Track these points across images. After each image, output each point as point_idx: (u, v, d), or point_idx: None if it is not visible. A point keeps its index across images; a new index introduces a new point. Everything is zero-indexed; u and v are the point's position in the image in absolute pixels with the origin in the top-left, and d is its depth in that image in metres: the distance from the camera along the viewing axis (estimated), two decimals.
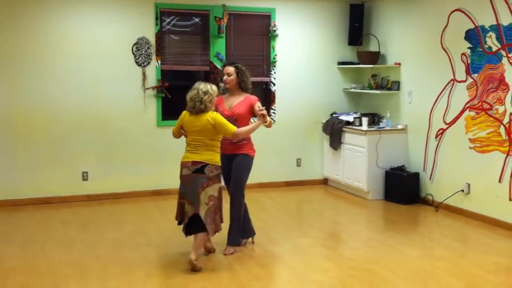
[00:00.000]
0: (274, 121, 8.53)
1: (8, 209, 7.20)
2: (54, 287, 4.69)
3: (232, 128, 5.11)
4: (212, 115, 5.08)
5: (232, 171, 5.48)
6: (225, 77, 5.55)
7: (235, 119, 5.38)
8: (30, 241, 5.93)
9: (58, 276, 4.92)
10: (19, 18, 7.24)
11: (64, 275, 4.94)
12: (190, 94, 5.15)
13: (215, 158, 5.16)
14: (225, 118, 5.20)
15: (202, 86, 5.14)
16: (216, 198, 5.13)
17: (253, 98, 5.52)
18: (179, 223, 5.27)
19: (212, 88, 5.17)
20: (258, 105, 5.37)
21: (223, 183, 5.47)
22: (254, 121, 5.46)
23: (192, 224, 5.11)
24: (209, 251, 5.49)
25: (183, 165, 5.16)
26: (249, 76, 5.63)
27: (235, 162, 5.47)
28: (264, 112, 5.31)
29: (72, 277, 4.89)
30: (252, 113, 5.47)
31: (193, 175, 5.08)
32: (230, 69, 5.55)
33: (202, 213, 5.04)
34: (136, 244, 5.83)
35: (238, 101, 5.50)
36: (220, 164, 5.19)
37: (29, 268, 5.10)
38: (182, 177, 5.17)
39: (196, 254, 5.03)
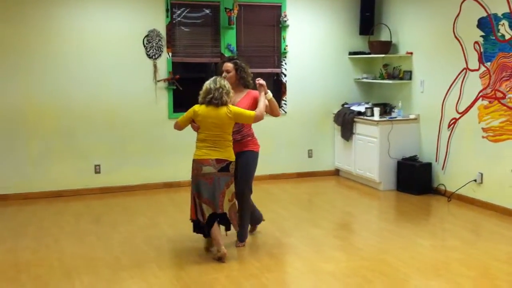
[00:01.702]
0: (285, 112, 8.52)
1: (21, 202, 7.25)
2: (67, 279, 4.72)
3: (251, 112, 5.13)
4: (229, 108, 5.08)
5: (239, 168, 5.39)
6: (224, 74, 5.41)
7: None
8: (43, 234, 5.97)
9: (70, 268, 4.95)
10: (30, 12, 7.26)
11: (77, 267, 4.98)
12: (214, 85, 5.08)
13: (233, 154, 5.19)
14: None
15: (224, 82, 5.14)
16: (233, 195, 5.22)
17: (256, 92, 5.40)
18: (196, 225, 5.27)
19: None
20: (260, 80, 5.30)
21: None
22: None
23: (210, 223, 5.13)
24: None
25: (204, 162, 5.08)
26: (249, 72, 5.49)
27: (242, 159, 5.39)
28: (262, 82, 5.26)
29: (85, 270, 4.92)
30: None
31: (219, 173, 5.08)
32: (229, 65, 5.43)
33: (226, 210, 5.11)
34: (148, 236, 5.86)
35: (241, 97, 5.40)
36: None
37: (42, 261, 5.14)
38: (203, 175, 5.09)
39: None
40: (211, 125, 5.07)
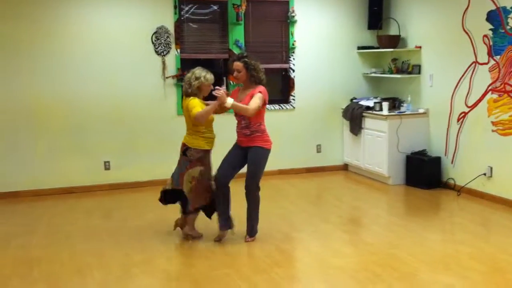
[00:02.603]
0: (294, 107, 8.51)
1: (32, 199, 7.31)
2: (78, 275, 4.76)
3: (193, 112, 5.19)
4: (189, 101, 5.29)
5: (247, 164, 5.40)
6: (235, 74, 5.36)
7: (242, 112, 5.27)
8: (54, 230, 6.02)
9: (81, 264, 5.00)
10: (38, 8, 7.30)
11: (88, 263, 5.02)
12: (185, 77, 5.42)
13: (197, 142, 5.36)
14: None
15: (197, 71, 5.36)
16: (197, 180, 5.39)
17: (257, 88, 5.31)
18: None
19: (206, 76, 5.33)
20: (218, 89, 5.18)
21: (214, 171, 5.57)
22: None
23: (168, 196, 5.63)
24: (178, 226, 5.72)
25: (186, 150, 5.46)
26: (259, 69, 5.36)
27: (249, 155, 5.37)
28: (218, 92, 5.11)
29: (96, 265, 4.96)
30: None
31: (181, 156, 5.47)
32: (239, 65, 5.32)
33: (185, 190, 5.42)
34: (158, 232, 5.89)
35: (246, 94, 5.34)
36: (203, 148, 5.38)
37: (53, 257, 5.18)
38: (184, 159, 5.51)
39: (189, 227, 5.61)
40: (183, 111, 5.43)
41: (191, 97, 5.30)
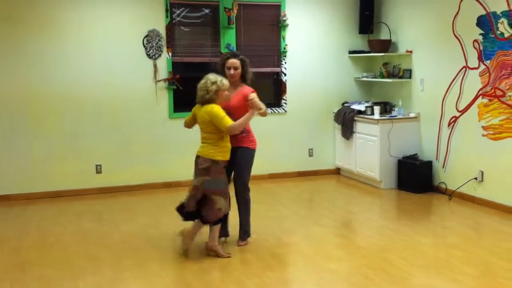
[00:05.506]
0: (285, 111, 8.53)
1: (23, 202, 7.27)
2: (70, 278, 4.74)
3: (226, 123, 4.95)
4: (210, 108, 5.00)
5: (235, 165, 5.38)
6: (232, 71, 5.31)
7: (231, 112, 5.16)
8: (46, 233, 6.00)
9: (73, 268, 4.97)
10: (33, 7, 7.27)
11: (79, 267, 5.00)
12: (199, 84, 5.11)
13: (210, 152, 5.07)
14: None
15: (212, 76, 5.08)
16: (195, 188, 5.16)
17: (248, 89, 5.30)
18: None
19: (222, 81, 5.07)
20: (250, 96, 5.12)
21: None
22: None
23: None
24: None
25: (195, 158, 5.19)
26: (249, 67, 5.47)
27: (237, 156, 5.34)
28: (254, 101, 5.07)
29: (87, 269, 4.94)
30: (247, 103, 5.19)
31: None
32: (236, 62, 5.32)
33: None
34: (149, 236, 5.87)
35: (234, 93, 5.32)
36: (214, 159, 5.06)
37: (45, 260, 5.16)
38: (195, 169, 5.21)
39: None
40: (200, 120, 5.18)
41: (212, 105, 5.03)
